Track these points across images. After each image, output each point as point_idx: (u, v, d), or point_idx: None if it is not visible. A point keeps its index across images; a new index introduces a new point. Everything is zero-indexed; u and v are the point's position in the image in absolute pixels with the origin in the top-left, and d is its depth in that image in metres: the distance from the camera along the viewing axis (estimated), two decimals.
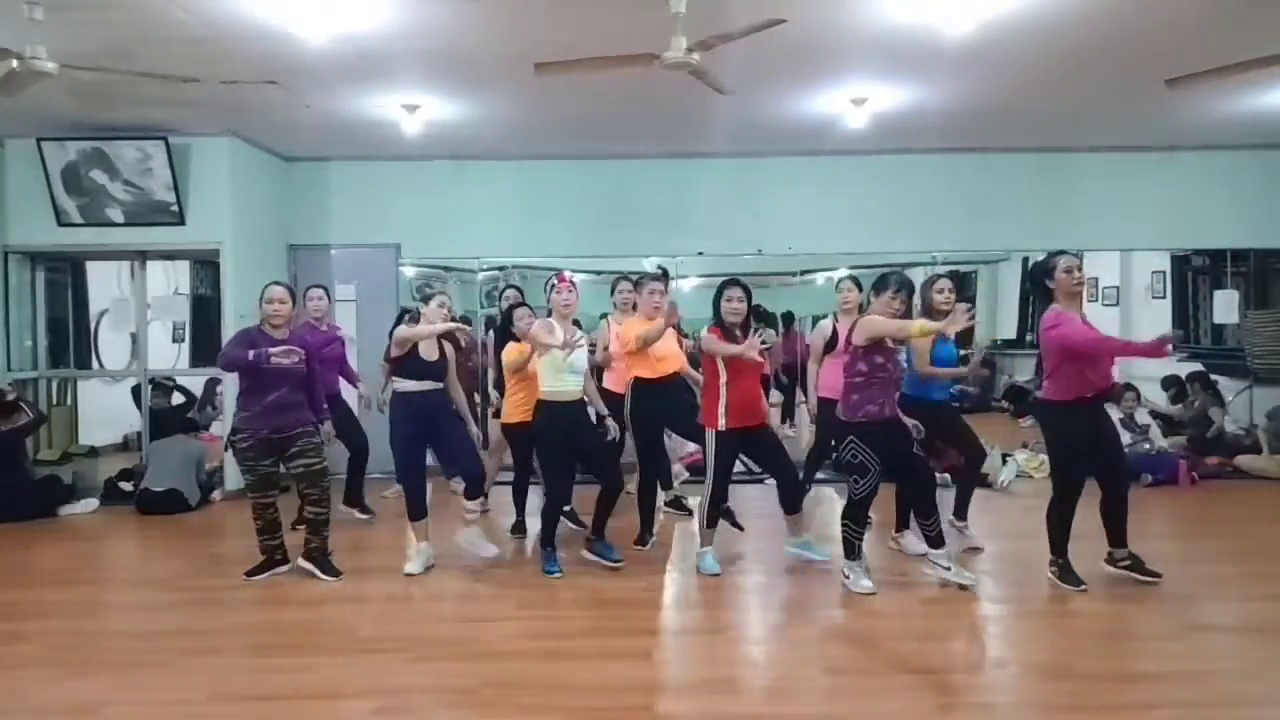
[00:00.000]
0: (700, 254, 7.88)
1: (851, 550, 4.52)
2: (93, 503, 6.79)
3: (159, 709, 3.34)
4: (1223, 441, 7.86)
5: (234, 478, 7.06)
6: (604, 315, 6.38)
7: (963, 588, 4.46)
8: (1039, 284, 4.49)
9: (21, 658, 3.88)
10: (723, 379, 4.71)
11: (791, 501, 4.93)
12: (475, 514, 5.09)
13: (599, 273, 8.50)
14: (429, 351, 4.95)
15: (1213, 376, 8.43)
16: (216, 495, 6.97)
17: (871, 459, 4.40)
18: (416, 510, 4.98)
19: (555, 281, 5.01)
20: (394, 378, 4.99)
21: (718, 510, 4.89)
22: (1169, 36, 5.03)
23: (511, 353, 5.26)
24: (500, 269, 8.72)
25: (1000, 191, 7.97)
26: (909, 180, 7.92)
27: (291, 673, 3.65)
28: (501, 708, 3.30)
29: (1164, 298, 9.36)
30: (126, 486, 6.98)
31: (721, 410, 4.72)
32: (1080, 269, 4.39)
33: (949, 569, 4.52)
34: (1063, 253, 4.47)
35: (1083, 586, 4.41)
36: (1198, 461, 7.42)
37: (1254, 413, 8.21)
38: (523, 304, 5.62)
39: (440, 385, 5.00)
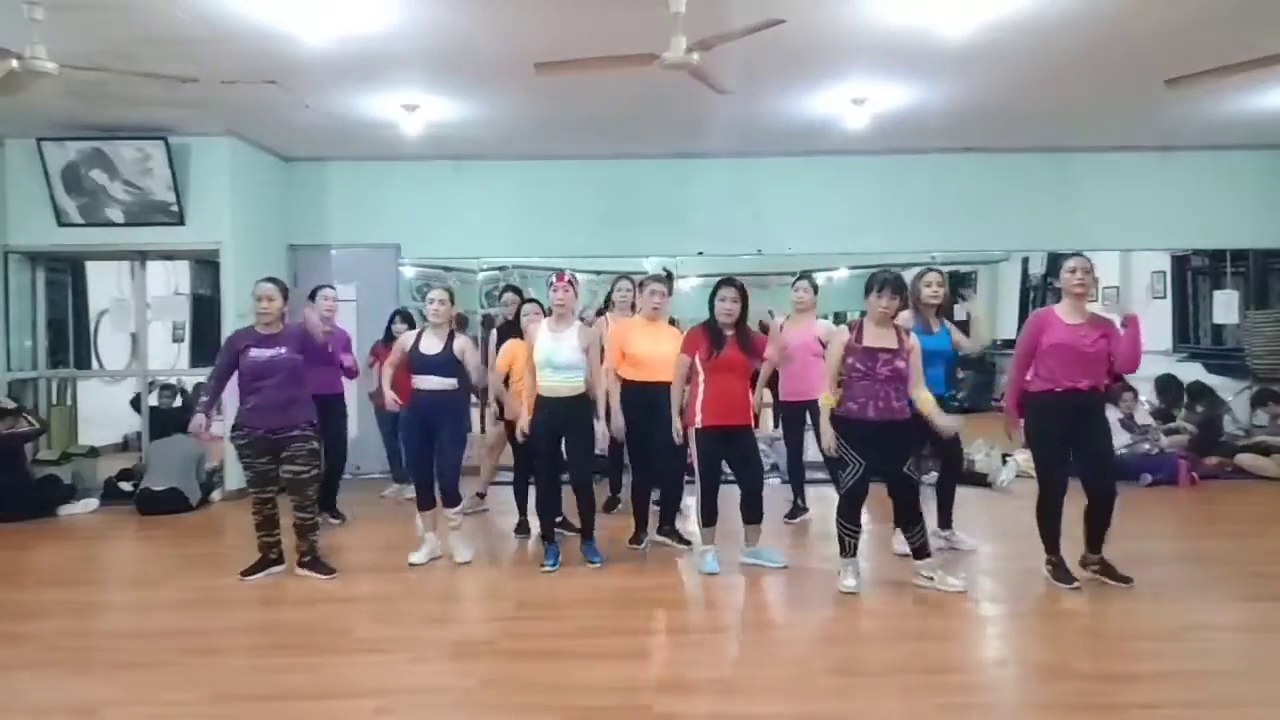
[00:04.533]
0: (700, 254, 7.87)
1: (844, 548, 4.49)
2: (93, 503, 6.79)
3: (159, 709, 3.34)
4: (1223, 441, 7.85)
5: (234, 478, 7.07)
6: (602, 311, 6.33)
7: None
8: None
9: (21, 658, 3.87)
10: (701, 375, 4.75)
11: (749, 511, 4.89)
12: (458, 521, 5.12)
13: (599, 272, 8.52)
14: (429, 345, 4.96)
15: (1209, 378, 8.44)
16: (216, 495, 6.97)
17: (850, 454, 4.38)
18: (423, 500, 5.06)
19: (553, 280, 5.03)
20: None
21: (712, 509, 4.87)
22: (1169, 36, 5.03)
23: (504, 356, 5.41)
24: (500, 269, 8.74)
25: (1000, 191, 7.97)
26: (909, 180, 7.92)
27: (291, 673, 3.65)
28: (501, 708, 3.31)
29: (1164, 298, 9.37)
30: (126, 486, 6.98)
31: (699, 407, 4.76)
32: (1081, 269, 4.39)
33: (931, 578, 4.47)
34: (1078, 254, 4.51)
35: (1075, 585, 4.42)
36: (1198, 461, 7.41)
37: (1254, 413, 8.20)
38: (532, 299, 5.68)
39: (446, 383, 4.94)
